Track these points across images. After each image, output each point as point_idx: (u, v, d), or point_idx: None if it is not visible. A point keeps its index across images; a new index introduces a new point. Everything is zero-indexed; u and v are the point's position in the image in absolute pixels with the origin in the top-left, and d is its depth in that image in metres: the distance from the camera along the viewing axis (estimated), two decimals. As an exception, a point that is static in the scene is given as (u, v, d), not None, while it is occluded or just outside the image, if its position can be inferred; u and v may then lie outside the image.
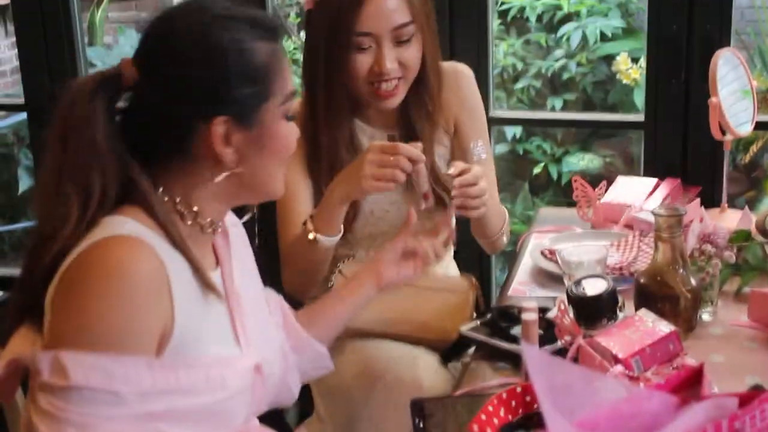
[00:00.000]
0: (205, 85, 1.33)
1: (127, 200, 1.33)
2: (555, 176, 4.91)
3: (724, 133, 2.28)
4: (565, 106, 4.96)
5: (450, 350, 1.93)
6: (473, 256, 2.48)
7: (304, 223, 1.91)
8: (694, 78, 2.48)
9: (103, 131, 1.32)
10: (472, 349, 1.88)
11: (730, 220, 2.26)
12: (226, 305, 1.44)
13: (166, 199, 1.37)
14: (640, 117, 2.64)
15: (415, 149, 1.81)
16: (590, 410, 0.98)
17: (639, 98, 4.78)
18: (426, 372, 1.91)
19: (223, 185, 1.38)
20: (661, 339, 1.60)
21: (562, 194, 4.95)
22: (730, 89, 2.24)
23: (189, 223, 1.39)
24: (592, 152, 5.00)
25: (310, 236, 1.88)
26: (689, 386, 1.11)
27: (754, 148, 4.32)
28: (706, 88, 2.27)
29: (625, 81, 4.82)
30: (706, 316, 1.85)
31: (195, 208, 1.39)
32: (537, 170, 4.91)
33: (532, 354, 0.97)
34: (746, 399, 1.03)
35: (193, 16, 1.35)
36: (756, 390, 1.30)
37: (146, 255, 1.27)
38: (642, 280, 1.80)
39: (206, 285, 1.37)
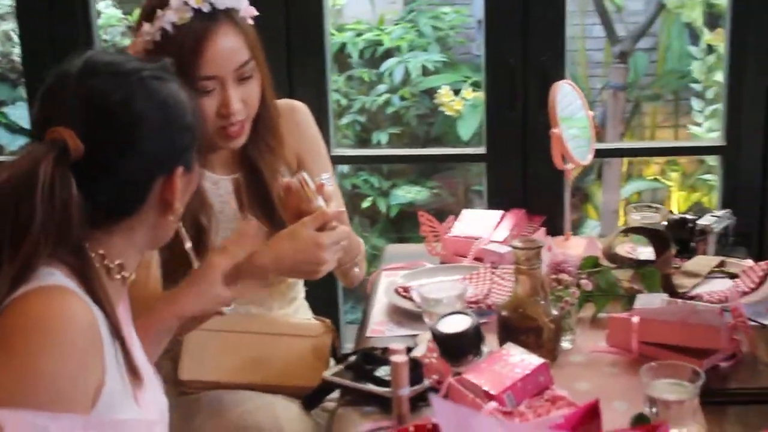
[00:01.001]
0: (163, 140, 1.35)
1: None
2: (384, 209, 4.93)
3: (565, 162, 2.33)
4: (391, 140, 5.00)
5: (311, 397, 1.86)
6: (321, 298, 2.43)
7: None
8: (531, 109, 2.52)
9: (61, 200, 1.26)
10: (334, 394, 1.83)
11: (575, 247, 2.30)
12: None
13: (93, 255, 1.34)
14: (482, 150, 2.66)
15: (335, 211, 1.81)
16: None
17: (463, 129, 4.88)
18: (288, 421, 1.85)
19: (144, 235, 1.39)
20: (532, 372, 1.60)
21: (393, 228, 4.98)
22: (569, 119, 2.28)
23: (117, 277, 1.37)
24: (419, 185, 5.05)
25: None
26: (584, 423, 1.10)
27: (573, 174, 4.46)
28: (544, 118, 2.31)
29: (448, 113, 4.91)
30: (566, 344, 1.86)
31: (119, 262, 1.37)
32: (366, 204, 4.92)
33: (442, 408, 0.93)
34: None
35: (126, 79, 1.34)
36: (640, 420, 1.30)
37: (81, 308, 1.25)
38: (504, 313, 1.80)
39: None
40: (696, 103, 4.74)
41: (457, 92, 4.88)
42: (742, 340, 1.79)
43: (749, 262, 2.16)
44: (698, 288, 2.06)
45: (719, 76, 4.50)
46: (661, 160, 5.14)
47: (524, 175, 2.59)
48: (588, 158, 2.34)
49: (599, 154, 2.47)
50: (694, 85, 4.78)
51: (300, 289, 2.19)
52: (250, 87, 1.90)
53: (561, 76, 2.43)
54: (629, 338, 1.80)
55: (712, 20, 4.70)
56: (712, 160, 4.61)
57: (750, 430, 1.58)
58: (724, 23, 2.58)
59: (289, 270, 1.82)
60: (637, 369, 1.70)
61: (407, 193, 4.96)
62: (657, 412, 1.50)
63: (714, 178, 4.63)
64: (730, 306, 1.82)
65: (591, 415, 1.11)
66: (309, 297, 2.22)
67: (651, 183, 5.13)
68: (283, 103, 2.08)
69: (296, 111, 2.11)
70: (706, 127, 4.60)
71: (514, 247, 1.78)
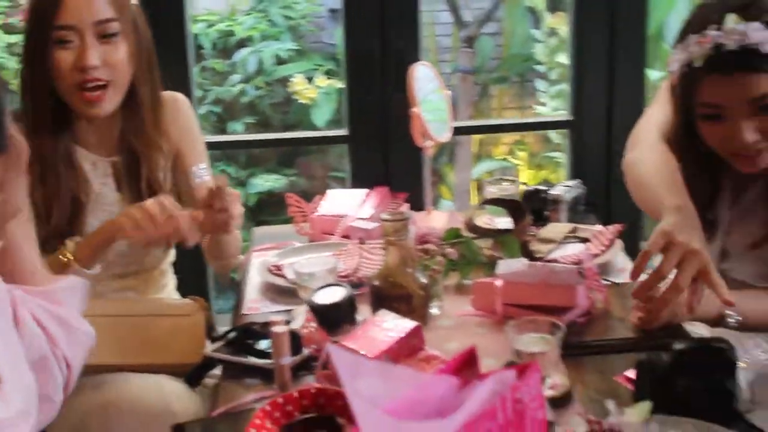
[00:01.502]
0: None
1: None
2: (243, 199, 4.96)
3: (425, 140, 2.43)
4: (247, 129, 5.04)
5: (194, 373, 1.91)
6: (192, 287, 2.48)
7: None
8: (390, 92, 2.62)
9: None
10: (217, 370, 1.88)
11: (437, 220, 2.41)
12: None
13: None
14: (344, 131, 2.75)
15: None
16: (389, 401, 1.03)
17: (317, 117, 4.96)
18: (175, 397, 1.90)
19: None
20: (406, 335, 1.69)
21: (252, 217, 5.02)
22: (427, 99, 2.39)
23: None
24: (277, 173, 5.11)
25: (65, 258, 1.85)
26: (463, 369, 1.19)
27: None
28: (402, 100, 2.41)
29: (302, 101, 4.98)
30: (434, 311, 1.96)
31: None
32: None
33: (338, 354, 1.01)
34: (520, 370, 1.12)
35: None
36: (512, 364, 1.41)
37: None
38: (376, 283, 1.89)
39: None
40: (540, 84, 4.95)
41: (310, 80, 4.96)
42: (595, 297, 1.93)
43: (599, 227, 2.32)
44: (554, 253, 2.20)
45: (562, 58, 4.72)
46: (509, 140, 5.35)
47: (385, 155, 2.69)
48: (446, 135, 2.45)
49: (457, 131, 2.59)
50: (538, 67, 4.99)
51: (171, 276, 2.25)
52: (114, 49, 1.93)
53: (417, 60, 2.54)
54: (493, 301, 1.92)
55: (554, 4, 4.91)
56: (558, 139, 4.84)
57: (606, 376, 1.71)
58: (566, 6, 2.73)
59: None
60: (501, 329, 1.82)
61: (265, 182, 5.01)
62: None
63: (559, 155, 4.85)
64: (584, 267, 1.96)
65: (469, 361, 1.21)
66: (180, 287, 2.28)
67: (500, 162, 5.33)
68: (167, 94, 2.13)
69: (178, 101, 2.17)
70: (552, 107, 4.82)
71: (384, 220, 1.87)
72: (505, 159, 5.32)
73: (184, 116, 2.15)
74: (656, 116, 2.04)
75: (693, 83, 1.81)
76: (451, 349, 1.79)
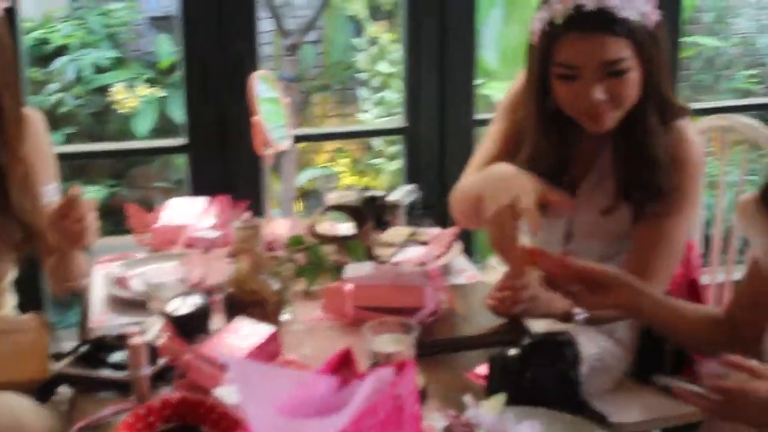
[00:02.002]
0: None
1: None
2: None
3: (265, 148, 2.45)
4: (68, 140, 4.92)
5: (43, 390, 1.87)
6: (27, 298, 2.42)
7: None
8: (227, 100, 2.63)
9: None
10: (68, 386, 1.85)
11: (279, 227, 2.43)
12: None
13: None
14: (183, 141, 2.74)
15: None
16: (277, 402, 1.07)
17: (139, 126, 4.89)
18: (27, 415, 1.84)
19: None
20: (265, 340, 1.72)
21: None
22: (267, 107, 2.41)
23: None
24: (98, 184, 5.01)
25: None
26: (340, 369, 1.23)
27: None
28: (241, 108, 2.43)
29: (122, 110, 4.90)
30: (286, 316, 1.99)
31: None
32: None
33: (234, 362, 1.03)
34: (398, 368, 1.17)
35: None
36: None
37: None
38: (229, 291, 1.90)
39: None
40: (363, 92, 5.04)
41: (131, 89, 4.89)
42: (440, 298, 2.01)
43: (437, 230, 2.41)
44: (396, 256, 2.26)
45: (383, 66, 4.83)
46: (330, 148, 5.42)
47: (225, 163, 2.70)
48: (287, 143, 2.48)
49: (298, 139, 2.63)
50: (360, 75, 5.08)
51: (12, 295, 2.20)
52: None
53: (255, 68, 2.56)
54: (344, 304, 1.97)
55: (375, 13, 5.01)
56: (381, 146, 4.94)
57: (457, 372, 1.78)
58: (399, 15, 2.80)
59: None
60: (352, 331, 1.89)
61: (90, 193, 4.90)
62: (379, 363, 1.67)
63: (383, 162, 4.96)
64: (427, 268, 2.04)
65: (345, 361, 1.25)
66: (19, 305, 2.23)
67: (323, 170, 5.39)
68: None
69: (32, 119, 2.11)
70: (375, 114, 4.92)
71: (236, 228, 1.89)
72: (327, 167, 5.38)
73: (38, 134, 2.10)
74: (477, 160, 2.16)
75: (552, 41, 1.92)
76: (306, 353, 1.83)
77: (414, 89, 2.72)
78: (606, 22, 1.87)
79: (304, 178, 5.30)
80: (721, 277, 2.54)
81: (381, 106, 4.88)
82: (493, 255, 2.36)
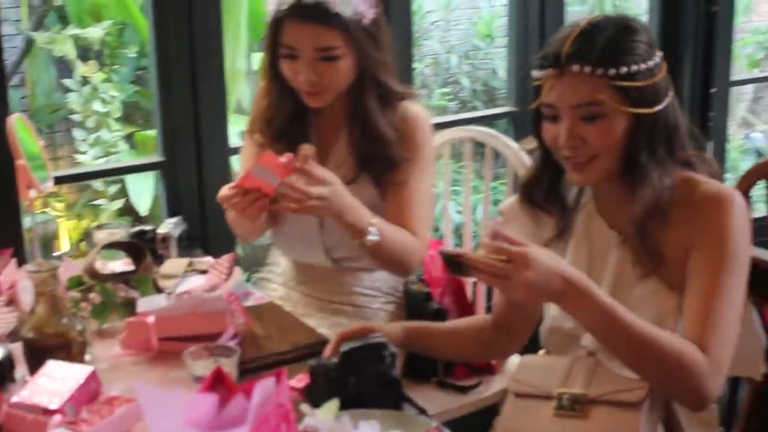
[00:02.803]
0: None
1: None
2: None
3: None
4: None
5: None
6: None
7: None
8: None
9: None
10: None
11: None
12: None
13: None
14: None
15: None
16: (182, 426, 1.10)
17: None
18: None
19: None
20: (86, 380, 1.70)
21: None
22: (27, 150, 2.35)
23: None
24: None
25: None
26: (215, 387, 1.27)
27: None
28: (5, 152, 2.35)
29: None
30: (87, 356, 1.96)
31: None
32: None
33: (145, 393, 1.06)
34: (276, 376, 1.23)
35: None
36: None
37: None
38: (30, 336, 1.85)
39: None
40: (78, 133, 4.92)
41: None
42: (239, 320, 2.06)
43: (210, 258, 2.45)
44: (180, 286, 2.28)
45: (97, 106, 4.76)
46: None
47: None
48: (49, 185, 2.42)
49: (58, 180, 2.57)
50: (73, 117, 4.95)
51: None
52: None
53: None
54: (148, 337, 1.97)
55: (84, 53, 4.92)
56: (100, 186, 4.84)
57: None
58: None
59: None
60: (158, 363, 1.91)
61: None
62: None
63: (103, 202, 4.86)
64: (222, 294, 2.08)
65: (218, 379, 1.29)
66: None
67: (40, 216, 5.18)
68: None
69: None
70: (92, 155, 4.82)
71: (32, 272, 1.85)
72: (43, 212, 5.19)
73: None
74: None
75: (279, 24, 2.22)
76: (124, 388, 1.81)
77: (169, 124, 2.75)
78: (321, 14, 2.17)
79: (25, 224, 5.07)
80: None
81: (98, 146, 4.79)
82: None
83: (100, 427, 1.61)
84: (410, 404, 1.77)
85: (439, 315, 2.41)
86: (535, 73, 1.82)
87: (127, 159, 4.76)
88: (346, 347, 1.76)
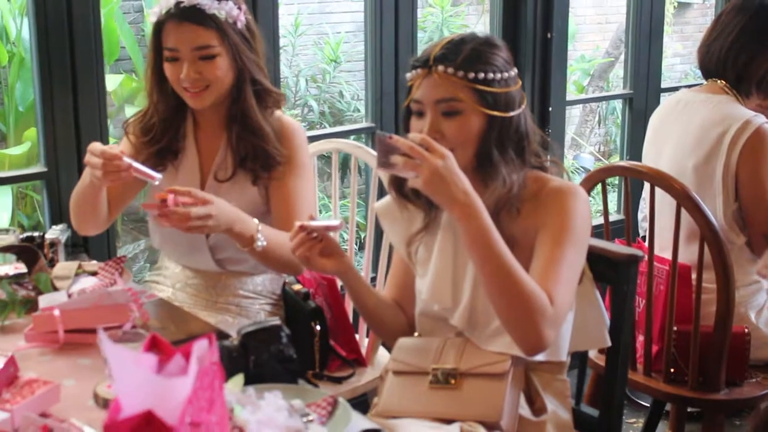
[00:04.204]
0: None
1: None
2: None
3: None
4: None
5: None
6: None
7: None
8: None
9: None
10: None
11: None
12: None
13: None
14: None
15: None
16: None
17: None
18: None
19: None
20: (5, 365, 1.83)
21: None
22: None
23: None
24: None
25: None
26: (151, 350, 1.44)
27: None
28: None
29: None
30: (-6, 350, 2.08)
31: None
32: None
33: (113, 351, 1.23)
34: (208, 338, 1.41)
35: None
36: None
37: None
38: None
39: None
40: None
41: None
42: (135, 314, 2.20)
43: (95, 262, 2.58)
44: (73, 287, 2.41)
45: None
46: None
47: None
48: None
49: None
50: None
51: None
52: None
53: None
54: (55, 329, 2.10)
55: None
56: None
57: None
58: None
59: None
60: (64, 353, 2.05)
61: None
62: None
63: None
64: (126, 288, 2.24)
65: (152, 344, 1.45)
66: None
67: None
68: None
69: None
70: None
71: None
72: None
73: None
74: None
75: (160, 29, 2.45)
76: (41, 374, 1.92)
77: (49, 135, 2.87)
78: (197, 15, 2.41)
79: None
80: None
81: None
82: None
83: (22, 405, 1.74)
84: (305, 380, 1.97)
85: (316, 313, 2.60)
86: (408, 75, 2.10)
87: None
88: (245, 330, 1.95)
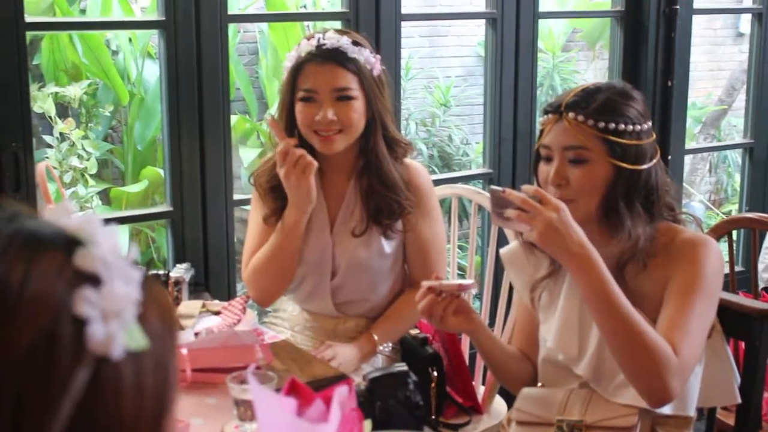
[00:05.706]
0: None
1: None
2: None
3: None
4: None
5: None
6: None
7: None
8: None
9: None
10: None
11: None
12: None
13: None
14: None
15: None
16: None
17: None
18: None
19: None
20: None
21: None
22: (55, 197, 2.51)
23: None
24: None
25: None
26: (292, 394, 1.45)
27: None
28: None
29: None
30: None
31: None
32: None
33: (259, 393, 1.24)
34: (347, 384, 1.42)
35: None
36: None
37: None
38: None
39: None
40: (55, 188, 5.05)
41: None
42: (259, 354, 2.22)
43: (218, 301, 2.62)
44: (196, 326, 2.44)
45: (74, 161, 4.90)
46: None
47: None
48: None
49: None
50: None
51: None
52: None
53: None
54: (183, 368, 2.13)
55: (63, 111, 5.07)
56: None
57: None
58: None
59: None
60: (191, 392, 2.07)
61: None
62: (243, 409, 1.87)
63: None
64: (253, 329, 2.26)
65: (293, 388, 1.46)
66: None
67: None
68: None
69: None
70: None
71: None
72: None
73: None
74: (249, 248, 2.58)
75: (298, 72, 2.43)
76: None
77: (175, 175, 2.92)
78: (339, 57, 2.41)
79: None
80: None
81: (73, 202, 4.92)
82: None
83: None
84: (430, 427, 1.95)
85: (434, 359, 2.59)
86: (540, 120, 2.10)
87: (103, 214, 4.90)
88: (372, 375, 1.95)
